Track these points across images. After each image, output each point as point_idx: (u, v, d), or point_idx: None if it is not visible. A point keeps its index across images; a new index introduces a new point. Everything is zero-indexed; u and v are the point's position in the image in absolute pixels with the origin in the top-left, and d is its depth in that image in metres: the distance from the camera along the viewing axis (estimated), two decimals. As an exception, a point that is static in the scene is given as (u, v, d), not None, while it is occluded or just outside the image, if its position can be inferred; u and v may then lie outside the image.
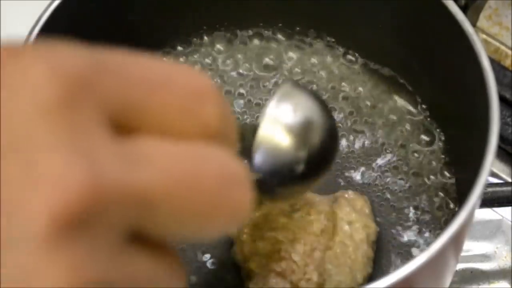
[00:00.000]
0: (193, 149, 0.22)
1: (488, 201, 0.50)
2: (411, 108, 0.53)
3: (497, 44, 0.67)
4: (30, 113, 0.20)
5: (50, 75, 0.20)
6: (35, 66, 0.20)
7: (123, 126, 0.22)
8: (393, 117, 0.53)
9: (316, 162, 0.33)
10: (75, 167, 0.20)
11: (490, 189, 0.50)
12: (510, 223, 0.58)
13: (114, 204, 0.20)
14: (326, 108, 0.34)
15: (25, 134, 0.20)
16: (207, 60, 0.55)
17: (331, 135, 0.34)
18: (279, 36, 0.56)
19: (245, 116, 0.53)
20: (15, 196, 0.19)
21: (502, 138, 0.59)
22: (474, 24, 0.66)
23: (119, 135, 0.21)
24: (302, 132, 0.32)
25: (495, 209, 0.58)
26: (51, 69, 0.20)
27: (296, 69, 0.55)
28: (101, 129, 0.21)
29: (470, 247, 0.57)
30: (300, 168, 0.32)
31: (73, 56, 0.21)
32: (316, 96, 0.34)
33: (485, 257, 0.57)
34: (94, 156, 0.20)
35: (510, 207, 0.57)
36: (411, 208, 0.49)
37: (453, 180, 0.50)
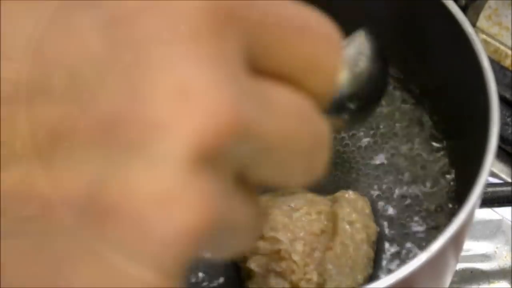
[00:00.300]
0: (305, 104, 0.23)
1: (488, 201, 0.50)
2: (410, 108, 0.53)
3: (497, 44, 0.67)
4: (182, 34, 0.20)
5: (203, 1, 0.20)
6: None
7: (251, 65, 0.22)
8: (392, 116, 0.53)
9: (362, 105, 0.37)
10: (223, 96, 0.19)
11: (490, 189, 0.50)
12: (510, 223, 0.58)
13: (244, 142, 0.20)
14: (386, 66, 0.39)
15: (176, 53, 0.20)
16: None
17: (381, 87, 0.39)
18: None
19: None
20: (165, 112, 0.19)
21: (502, 138, 0.59)
22: (474, 24, 0.66)
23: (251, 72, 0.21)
24: (359, 75, 0.37)
25: (495, 209, 0.58)
26: None
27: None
28: (241, 63, 0.21)
29: (470, 247, 0.57)
30: (352, 104, 0.36)
31: None
32: (381, 50, 0.38)
33: (485, 257, 0.57)
34: (237, 89, 0.20)
35: (510, 207, 0.57)
36: (411, 208, 0.49)
37: (453, 180, 0.50)
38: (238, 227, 0.22)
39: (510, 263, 0.57)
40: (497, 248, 0.57)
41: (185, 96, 0.19)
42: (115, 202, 0.19)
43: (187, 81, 0.19)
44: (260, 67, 0.22)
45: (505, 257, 0.57)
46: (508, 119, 0.61)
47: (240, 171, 0.21)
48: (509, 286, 0.56)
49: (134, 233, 0.19)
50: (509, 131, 0.60)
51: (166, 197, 0.19)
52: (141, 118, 0.19)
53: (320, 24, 0.23)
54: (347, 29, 0.57)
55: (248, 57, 0.21)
